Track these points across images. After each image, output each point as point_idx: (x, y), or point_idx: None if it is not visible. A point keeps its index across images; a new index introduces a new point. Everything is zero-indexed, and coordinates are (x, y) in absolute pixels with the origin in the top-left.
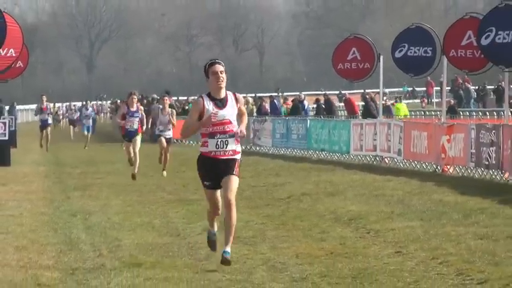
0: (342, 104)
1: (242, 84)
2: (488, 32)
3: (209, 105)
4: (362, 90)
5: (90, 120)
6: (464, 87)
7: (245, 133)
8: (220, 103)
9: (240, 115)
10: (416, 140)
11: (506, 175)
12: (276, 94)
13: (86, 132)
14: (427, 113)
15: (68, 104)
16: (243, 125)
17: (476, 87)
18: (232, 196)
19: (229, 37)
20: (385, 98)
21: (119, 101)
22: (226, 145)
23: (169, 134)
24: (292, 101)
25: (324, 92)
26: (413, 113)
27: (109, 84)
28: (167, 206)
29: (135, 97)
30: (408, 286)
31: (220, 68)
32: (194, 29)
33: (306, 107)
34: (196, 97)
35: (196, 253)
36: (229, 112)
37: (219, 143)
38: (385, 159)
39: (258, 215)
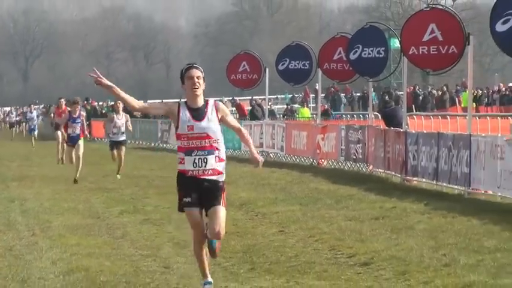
0: (234, 108)
1: (151, 93)
2: (356, 49)
3: (185, 115)
4: (251, 97)
5: (35, 122)
6: (336, 95)
7: (261, 159)
8: (197, 114)
9: (235, 130)
10: (296, 138)
11: (371, 167)
12: (178, 101)
13: (31, 133)
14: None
15: (8, 108)
16: (252, 147)
17: (350, 95)
18: (222, 229)
19: (141, 53)
20: (270, 103)
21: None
22: (205, 163)
23: (122, 137)
24: None
25: (220, 99)
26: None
27: (41, 93)
28: (89, 194)
29: (78, 106)
30: (290, 259)
31: (196, 73)
32: (111, 46)
33: None
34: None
35: (113, 232)
36: (208, 125)
37: (196, 160)
38: (270, 154)
39: (165, 200)
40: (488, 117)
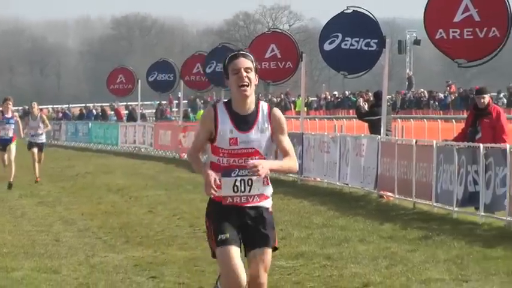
0: (113, 111)
1: (44, 100)
2: (211, 64)
3: (225, 123)
4: (126, 103)
5: None
6: (202, 100)
7: (261, 170)
8: (244, 121)
9: (281, 152)
10: (163, 136)
11: None
12: (67, 106)
13: None
14: (171, 117)
15: None
16: (272, 162)
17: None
18: (265, 277)
19: (37, 67)
20: (142, 107)
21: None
22: (250, 187)
23: (41, 139)
24: (80, 110)
25: (100, 104)
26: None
27: None
28: None
29: (10, 103)
30: (157, 234)
31: (245, 63)
32: (13, 62)
33: (94, 114)
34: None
35: (14, 212)
36: (258, 136)
37: (238, 183)
38: (142, 149)
39: (56, 186)
40: (317, 119)
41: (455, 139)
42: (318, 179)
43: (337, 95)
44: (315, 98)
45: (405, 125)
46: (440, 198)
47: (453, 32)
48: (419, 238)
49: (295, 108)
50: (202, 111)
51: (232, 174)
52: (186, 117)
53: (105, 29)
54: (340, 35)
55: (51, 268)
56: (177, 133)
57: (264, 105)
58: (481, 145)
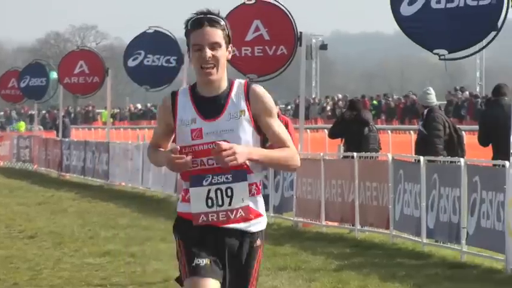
0: None
1: None
2: (25, 79)
3: (186, 110)
4: None
5: None
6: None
7: (237, 156)
8: (211, 106)
9: (273, 141)
10: None
11: (35, 166)
12: None
13: None
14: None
15: None
16: (256, 149)
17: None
18: None
19: None
20: None
21: None
22: (230, 198)
23: None
24: None
25: None
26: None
27: None
28: None
29: None
30: None
31: (211, 35)
32: None
33: None
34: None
35: None
36: (230, 124)
37: (212, 194)
38: None
39: None
40: (121, 129)
41: None
42: (123, 184)
43: (140, 107)
44: (119, 110)
45: None
46: None
47: (245, 49)
48: None
49: (101, 119)
50: (22, 122)
51: (204, 183)
52: (1, 127)
53: None
54: (142, 52)
55: None
56: None
57: (239, 83)
58: None
